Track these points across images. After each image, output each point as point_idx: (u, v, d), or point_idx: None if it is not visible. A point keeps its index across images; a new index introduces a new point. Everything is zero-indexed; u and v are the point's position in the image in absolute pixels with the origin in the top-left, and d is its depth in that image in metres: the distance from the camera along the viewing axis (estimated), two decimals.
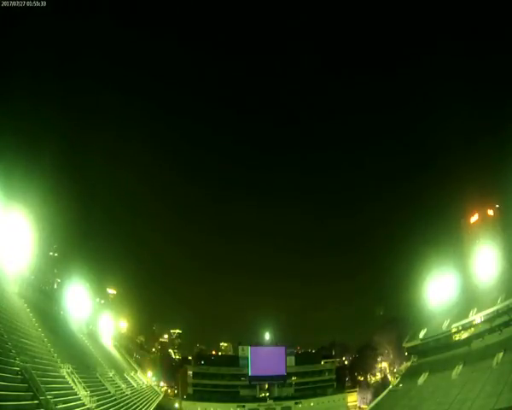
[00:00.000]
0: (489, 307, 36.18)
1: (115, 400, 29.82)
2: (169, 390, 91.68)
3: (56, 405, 17.59)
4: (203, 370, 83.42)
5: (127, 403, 32.82)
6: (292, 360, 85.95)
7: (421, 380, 41.00)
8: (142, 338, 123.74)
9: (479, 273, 43.45)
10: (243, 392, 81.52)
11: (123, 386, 36.43)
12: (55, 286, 45.47)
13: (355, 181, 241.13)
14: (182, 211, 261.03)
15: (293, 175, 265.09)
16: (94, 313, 50.59)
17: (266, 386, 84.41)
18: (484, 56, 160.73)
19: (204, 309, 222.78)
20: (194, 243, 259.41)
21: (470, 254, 50.63)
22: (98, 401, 24.47)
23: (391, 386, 50.76)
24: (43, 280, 40.64)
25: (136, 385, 44.87)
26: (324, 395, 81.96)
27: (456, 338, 41.79)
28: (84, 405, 21.86)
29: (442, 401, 31.04)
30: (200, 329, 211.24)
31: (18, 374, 16.61)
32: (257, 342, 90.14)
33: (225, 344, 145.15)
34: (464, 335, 40.56)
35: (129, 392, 36.83)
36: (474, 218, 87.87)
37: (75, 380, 23.52)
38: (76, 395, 22.19)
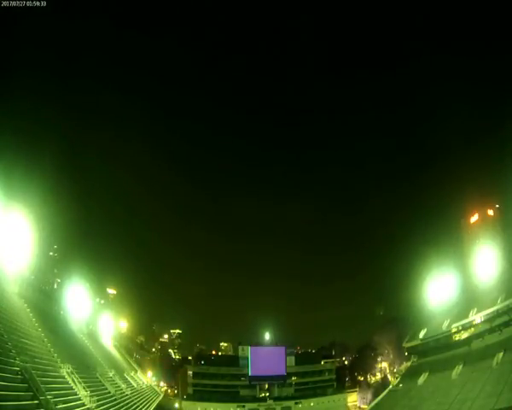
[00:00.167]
0: (489, 307, 36.17)
1: (115, 400, 29.82)
2: (169, 390, 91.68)
3: (56, 405, 17.59)
4: (203, 370, 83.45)
5: (127, 403, 32.82)
6: (292, 360, 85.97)
7: (421, 380, 41.00)
8: (142, 338, 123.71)
9: (479, 273, 43.44)
10: (243, 392, 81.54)
11: (123, 386, 36.42)
12: (55, 286, 45.48)
13: (355, 180, 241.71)
14: (181, 210, 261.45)
15: (293, 174, 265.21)
16: (94, 313, 50.58)
17: (266, 386, 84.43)
18: (485, 56, 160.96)
19: (204, 309, 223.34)
20: (194, 243, 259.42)
21: (470, 254, 50.63)
22: (98, 401, 24.46)
23: (391, 386, 50.76)
24: (43, 280, 40.65)
25: (136, 385, 44.87)
26: (324, 395, 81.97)
27: (456, 338, 41.78)
28: (84, 405, 21.85)
29: (442, 401, 31.04)
30: (200, 329, 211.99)
31: (18, 374, 16.60)
32: (257, 342, 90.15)
33: (225, 344, 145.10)
34: (464, 335, 40.54)
35: (129, 392, 36.84)
36: (474, 218, 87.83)
37: (75, 380, 23.51)
38: (76, 395, 22.19)
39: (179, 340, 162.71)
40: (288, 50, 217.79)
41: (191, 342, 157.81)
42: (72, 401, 20.60)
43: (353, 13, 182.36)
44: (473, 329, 39.34)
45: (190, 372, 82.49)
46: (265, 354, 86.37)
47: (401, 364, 70.53)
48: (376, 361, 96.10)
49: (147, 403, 41.42)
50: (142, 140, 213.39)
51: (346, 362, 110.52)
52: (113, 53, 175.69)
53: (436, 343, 45.08)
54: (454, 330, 42.01)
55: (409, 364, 53.03)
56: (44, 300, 36.90)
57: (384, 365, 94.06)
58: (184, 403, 74.76)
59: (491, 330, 35.73)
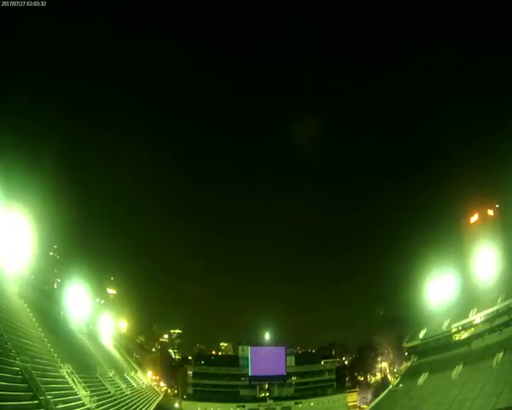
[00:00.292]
0: (489, 307, 36.17)
1: (115, 400, 29.84)
2: (169, 390, 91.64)
3: (56, 405, 17.61)
4: (203, 370, 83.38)
5: (127, 403, 32.85)
6: (292, 360, 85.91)
7: (421, 380, 41.00)
8: (142, 338, 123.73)
9: (479, 273, 43.45)
10: (243, 392, 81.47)
11: (123, 386, 36.45)
12: (55, 286, 45.54)
13: (354, 180, 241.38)
14: (181, 210, 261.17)
15: (293, 174, 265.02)
16: (94, 313, 50.60)
17: (266, 386, 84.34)
18: (484, 55, 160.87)
19: (204, 309, 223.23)
20: (194, 243, 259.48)
21: (470, 254, 50.66)
22: (98, 401, 24.49)
23: (391, 386, 50.76)
24: (43, 280, 40.69)
25: (136, 385, 44.89)
26: (324, 395, 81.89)
27: (456, 338, 41.78)
28: (84, 405, 21.88)
29: (442, 401, 31.04)
30: (200, 329, 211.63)
31: (18, 374, 16.61)
32: (257, 342, 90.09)
33: (225, 344, 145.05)
34: (464, 335, 40.54)
35: (129, 392, 36.86)
36: (474, 218, 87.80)
37: (75, 380, 23.53)
38: (76, 395, 22.21)
39: (179, 340, 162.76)
40: (288, 50, 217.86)
41: (191, 342, 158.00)
42: (72, 401, 20.62)
43: (353, 12, 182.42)
44: (473, 329, 39.34)
45: (190, 372, 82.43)
46: (265, 354, 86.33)
47: (401, 364, 70.52)
48: (376, 361, 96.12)
49: (147, 403, 41.45)
50: (143, 140, 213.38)
51: (346, 362, 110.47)
52: (113, 53, 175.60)
53: (436, 343, 45.07)
54: (454, 330, 42.01)
55: (409, 364, 53.02)
56: (44, 300, 36.91)
57: (384, 365, 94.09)
58: (184, 403, 74.72)
59: (491, 330, 35.73)
